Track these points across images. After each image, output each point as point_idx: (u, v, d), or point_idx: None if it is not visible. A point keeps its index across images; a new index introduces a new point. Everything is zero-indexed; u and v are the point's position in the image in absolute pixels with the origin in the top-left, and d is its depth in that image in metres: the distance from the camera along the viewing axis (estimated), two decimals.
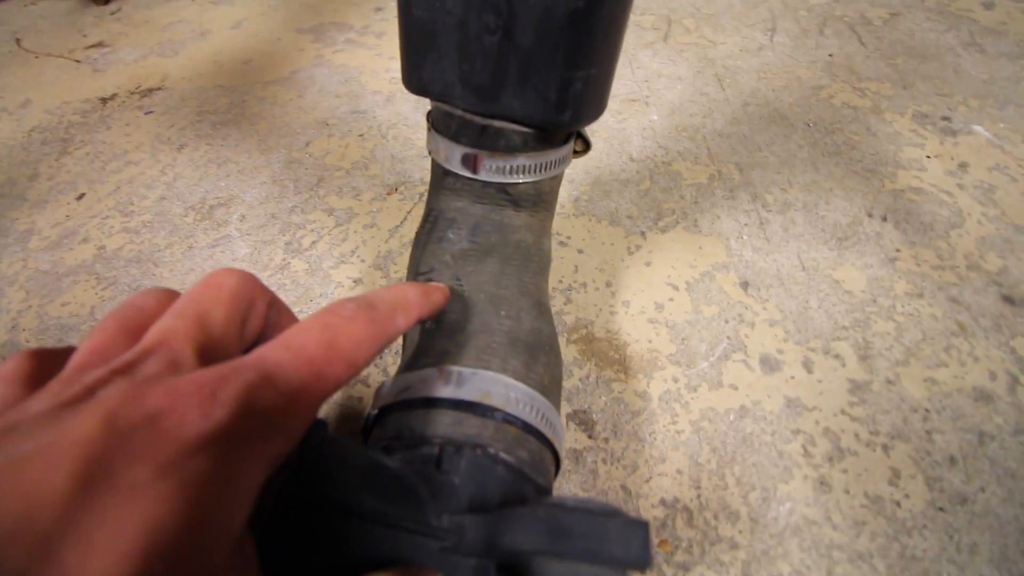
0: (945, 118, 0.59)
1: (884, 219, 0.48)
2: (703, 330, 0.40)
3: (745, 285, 0.43)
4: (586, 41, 0.24)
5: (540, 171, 0.30)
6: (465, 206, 0.30)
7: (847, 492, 0.32)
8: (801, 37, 0.71)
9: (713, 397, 0.36)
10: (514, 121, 0.27)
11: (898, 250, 0.46)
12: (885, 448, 0.34)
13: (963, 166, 0.53)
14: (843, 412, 0.36)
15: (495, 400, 0.23)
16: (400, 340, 0.40)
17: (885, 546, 0.30)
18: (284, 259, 0.46)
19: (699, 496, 0.32)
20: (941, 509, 0.32)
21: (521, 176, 0.29)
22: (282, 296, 0.44)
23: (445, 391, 0.23)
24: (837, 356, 0.39)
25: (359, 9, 0.80)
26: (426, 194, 0.52)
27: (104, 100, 0.67)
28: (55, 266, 0.48)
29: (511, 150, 0.28)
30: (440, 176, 0.31)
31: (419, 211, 0.50)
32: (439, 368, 0.24)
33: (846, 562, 0.30)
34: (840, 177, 0.52)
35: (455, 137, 0.29)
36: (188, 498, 0.11)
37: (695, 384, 0.37)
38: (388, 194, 0.51)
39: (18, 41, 0.79)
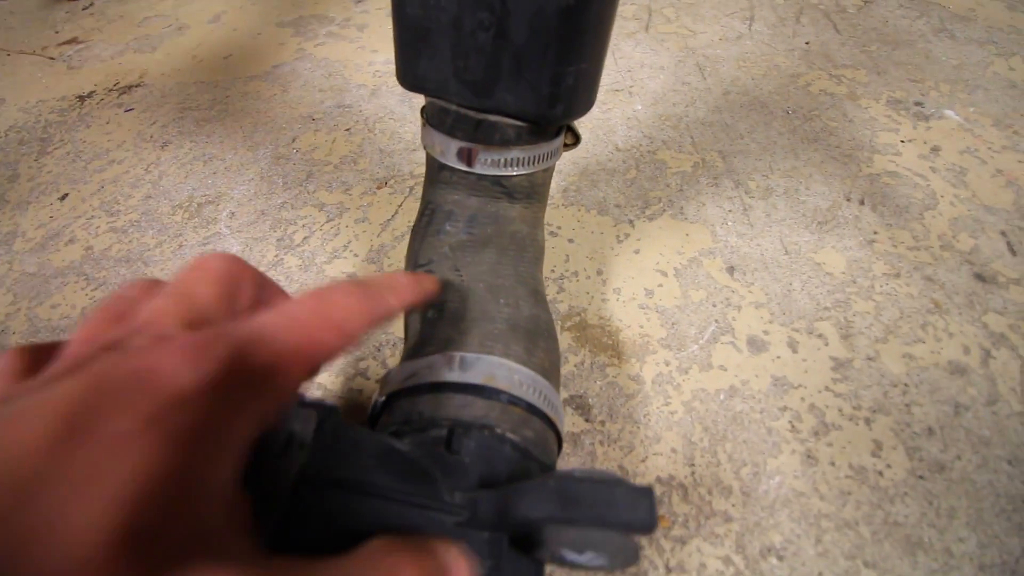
0: (918, 103, 0.60)
1: (862, 203, 0.50)
2: (692, 314, 0.41)
3: (731, 270, 0.44)
4: (577, 37, 0.25)
5: (533, 163, 0.30)
6: (461, 199, 0.31)
7: (833, 464, 0.34)
8: (778, 25, 0.73)
9: (704, 378, 0.38)
10: (508, 115, 0.28)
11: (875, 232, 0.48)
12: (867, 421, 0.36)
13: (935, 150, 0.55)
14: (827, 389, 0.38)
15: (500, 383, 0.24)
16: (400, 333, 0.41)
17: (869, 514, 0.32)
18: (277, 255, 0.47)
19: (693, 473, 0.34)
20: (921, 477, 0.34)
21: (515, 168, 0.30)
22: None
23: (451, 375, 0.24)
24: (820, 336, 0.40)
25: (339, 1, 0.79)
26: (416, 188, 0.52)
27: (82, 98, 0.65)
28: (42, 268, 0.48)
29: (505, 143, 0.29)
30: (435, 170, 0.32)
31: (410, 204, 0.50)
32: (444, 354, 0.25)
33: (833, 530, 0.32)
34: (819, 163, 0.54)
35: (450, 132, 0.29)
36: (175, 449, 0.12)
37: (686, 366, 0.38)
38: (378, 188, 0.52)
39: None
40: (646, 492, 0.18)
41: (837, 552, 0.31)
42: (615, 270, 0.44)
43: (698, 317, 0.41)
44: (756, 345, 0.40)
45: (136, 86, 0.66)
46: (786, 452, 0.35)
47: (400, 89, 0.63)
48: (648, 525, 0.18)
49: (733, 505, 0.32)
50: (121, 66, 0.70)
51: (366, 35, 0.72)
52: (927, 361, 0.39)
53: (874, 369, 0.39)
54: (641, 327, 0.40)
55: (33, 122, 0.63)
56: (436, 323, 0.27)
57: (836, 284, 0.44)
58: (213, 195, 0.52)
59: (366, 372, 0.39)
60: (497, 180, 0.30)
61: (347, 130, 0.58)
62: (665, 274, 0.44)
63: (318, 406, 0.22)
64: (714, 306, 0.42)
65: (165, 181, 0.54)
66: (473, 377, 0.24)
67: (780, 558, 0.30)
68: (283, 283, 0.45)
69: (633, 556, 0.19)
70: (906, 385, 0.38)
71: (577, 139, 0.34)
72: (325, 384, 0.38)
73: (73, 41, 0.75)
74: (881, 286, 0.44)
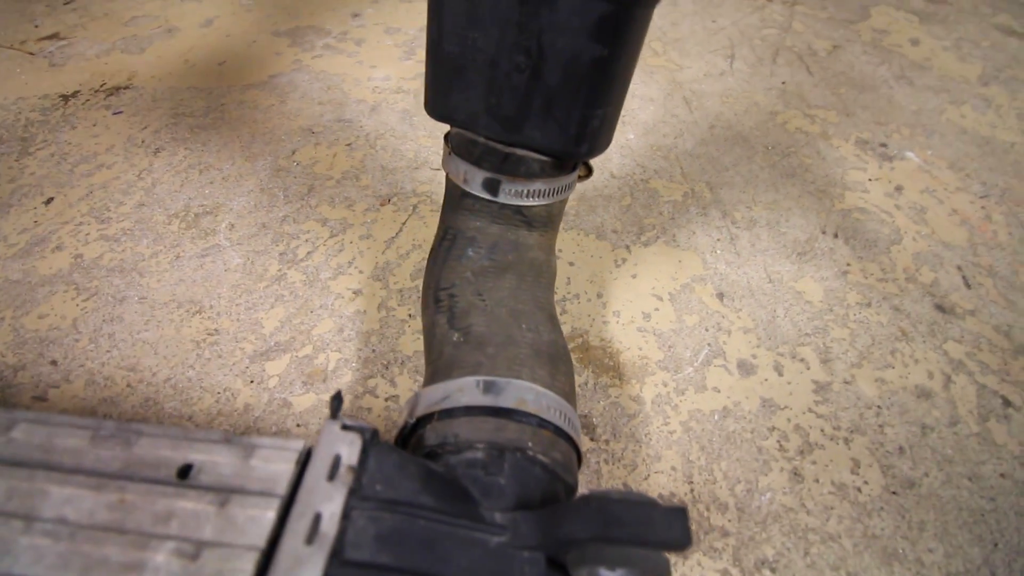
0: (883, 145, 0.66)
1: (836, 236, 0.54)
2: (687, 338, 0.44)
3: (721, 296, 0.47)
4: (606, 83, 0.27)
5: (553, 195, 0.32)
6: (483, 226, 0.32)
7: (817, 481, 0.37)
8: (757, 65, 0.77)
9: (699, 399, 0.40)
10: (534, 150, 0.30)
11: (848, 264, 0.51)
12: (846, 441, 0.39)
13: (899, 189, 0.60)
14: (810, 410, 0.40)
15: (530, 407, 0.25)
16: (407, 351, 0.42)
17: (850, 527, 0.35)
18: (280, 270, 0.47)
19: (692, 490, 0.36)
20: (894, 493, 0.37)
21: (537, 199, 0.32)
22: (280, 308, 0.44)
23: (485, 399, 0.25)
24: (802, 360, 0.43)
25: (336, 14, 0.80)
26: (420, 206, 0.53)
27: (65, 97, 0.64)
28: (27, 275, 0.46)
29: (529, 176, 0.31)
30: (457, 196, 0.33)
31: (414, 223, 0.51)
32: (475, 378, 0.26)
33: (819, 543, 0.34)
34: (797, 196, 0.58)
35: (477, 162, 0.31)
36: None
37: (683, 388, 0.41)
38: (381, 205, 0.52)
39: None
40: (681, 512, 0.20)
41: (823, 564, 0.33)
42: (614, 293, 0.46)
43: (692, 340, 0.44)
44: (745, 368, 0.42)
45: (124, 88, 0.65)
46: (775, 470, 0.37)
47: (401, 106, 0.64)
48: (684, 542, 0.19)
49: (729, 520, 0.34)
50: (107, 66, 0.68)
51: (364, 50, 0.73)
52: (896, 385, 0.43)
53: (851, 392, 0.42)
54: (640, 349, 0.43)
55: (12, 120, 0.60)
56: (462, 346, 0.29)
57: (815, 312, 0.47)
58: (211, 205, 0.52)
59: (375, 390, 0.39)
60: (518, 209, 0.32)
61: (348, 145, 0.58)
62: (661, 298, 0.46)
63: (361, 429, 0.23)
64: (706, 330, 0.44)
65: (159, 189, 0.53)
66: (505, 401, 0.25)
67: (773, 570, 0.33)
68: (287, 299, 0.45)
69: (664, 572, 0.20)
70: (879, 407, 0.41)
71: (590, 172, 0.36)
72: None
73: (54, 37, 0.73)
74: (855, 315, 0.47)
